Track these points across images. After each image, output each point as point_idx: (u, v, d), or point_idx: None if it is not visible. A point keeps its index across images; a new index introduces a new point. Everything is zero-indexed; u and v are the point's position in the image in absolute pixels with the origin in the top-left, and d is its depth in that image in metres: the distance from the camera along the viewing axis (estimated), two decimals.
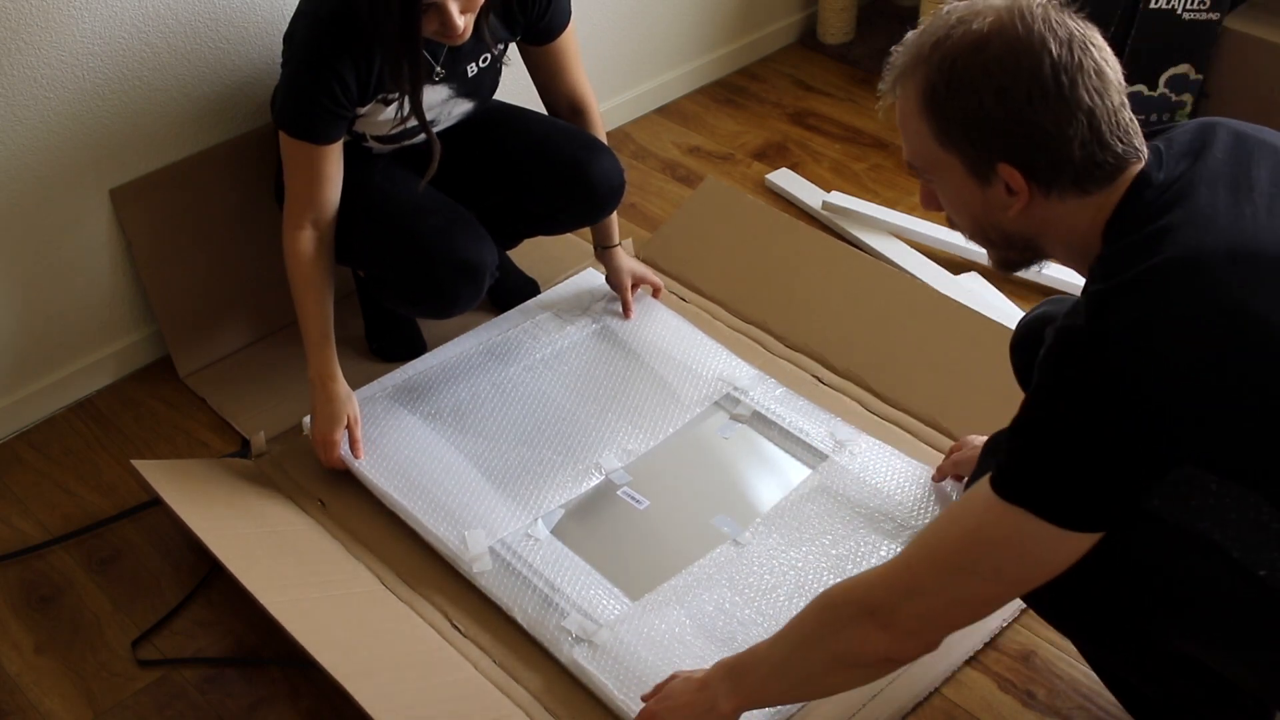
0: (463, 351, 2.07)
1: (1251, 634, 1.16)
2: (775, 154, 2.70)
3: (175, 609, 1.75)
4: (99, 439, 2.03)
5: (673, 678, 1.46)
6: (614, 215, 2.10)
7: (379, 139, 1.90)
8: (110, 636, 1.73)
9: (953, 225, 1.30)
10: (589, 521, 1.80)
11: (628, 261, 2.15)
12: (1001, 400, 1.61)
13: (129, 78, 1.95)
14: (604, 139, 2.08)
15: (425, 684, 1.58)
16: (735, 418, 1.94)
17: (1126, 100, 1.16)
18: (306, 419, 1.97)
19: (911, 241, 2.40)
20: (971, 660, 1.63)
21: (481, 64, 1.90)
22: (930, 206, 1.29)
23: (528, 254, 2.28)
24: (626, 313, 2.14)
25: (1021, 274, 2.32)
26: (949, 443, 1.87)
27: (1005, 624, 1.66)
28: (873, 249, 2.38)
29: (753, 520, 1.77)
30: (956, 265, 2.34)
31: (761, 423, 1.92)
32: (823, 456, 1.85)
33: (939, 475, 1.79)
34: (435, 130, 1.92)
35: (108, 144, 1.97)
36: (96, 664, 1.69)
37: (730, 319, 2.18)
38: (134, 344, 2.14)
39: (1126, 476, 1.09)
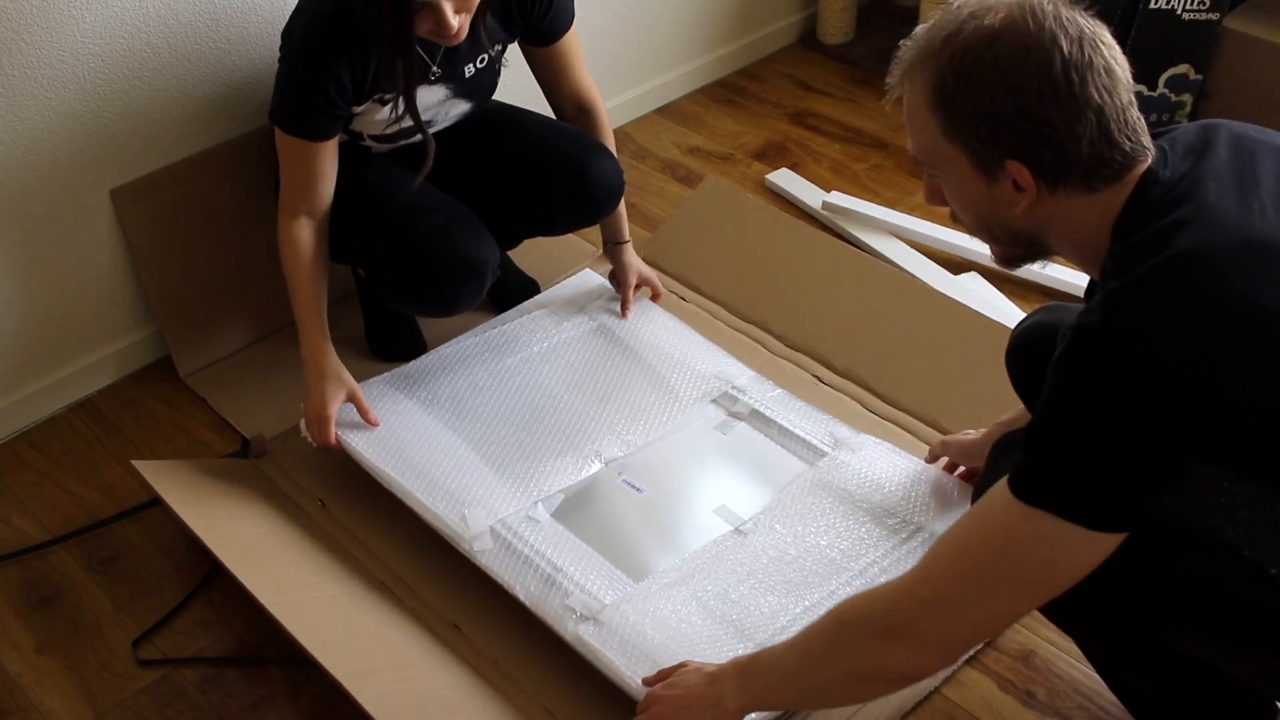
0: (461, 347, 2.06)
1: (1261, 633, 1.15)
2: (775, 154, 2.70)
3: (175, 609, 1.75)
4: (99, 439, 2.03)
5: (683, 666, 1.46)
6: (622, 211, 2.10)
7: (376, 138, 1.90)
8: (110, 636, 1.73)
9: (956, 220, 1.30)
10: (589, 507, 1.79)
11: (635, 260, 2.15)
12: (1001, 400, 1.61)
13: (129, 78, 1.95)
14: (611, 138, 2.08)
15: (425, 684, 1.58)
16: (734, 415, 1.94)
17: (1134, 99, 1.16)
18: (303, 421, 1.97)
19: (911, 241, 2.40)
20: (971, 660, 1.63)
21: (479, 65, 1.90)
22: (935, 202, 1.29)
23: (528, 254, 2.28)
24: (625, 310, 2.13)
25: (1022, 272, 2.33)
26: (969, 432, 1.86)
27: None
28: (873, 249, 2.38)
29: (753, 511, 1.77)
30: (956, 265, 2.34)
31: (760, 420, 1.92)
32: (821, 453, 1.85)
33: (931, 457, 1.79)
34: (433, 130, 1.92)
35: (108, 144, 1.97)
36: (97, 664, 1.69)
37: (730, 319, 2.18)
38: (134, 344, 2.14)
39: (1147, 473, 1.08)
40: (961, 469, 1.78)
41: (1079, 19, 1.14)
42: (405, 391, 1.96)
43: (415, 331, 2.15)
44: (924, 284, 2.20)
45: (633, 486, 1.82)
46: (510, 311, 2.17)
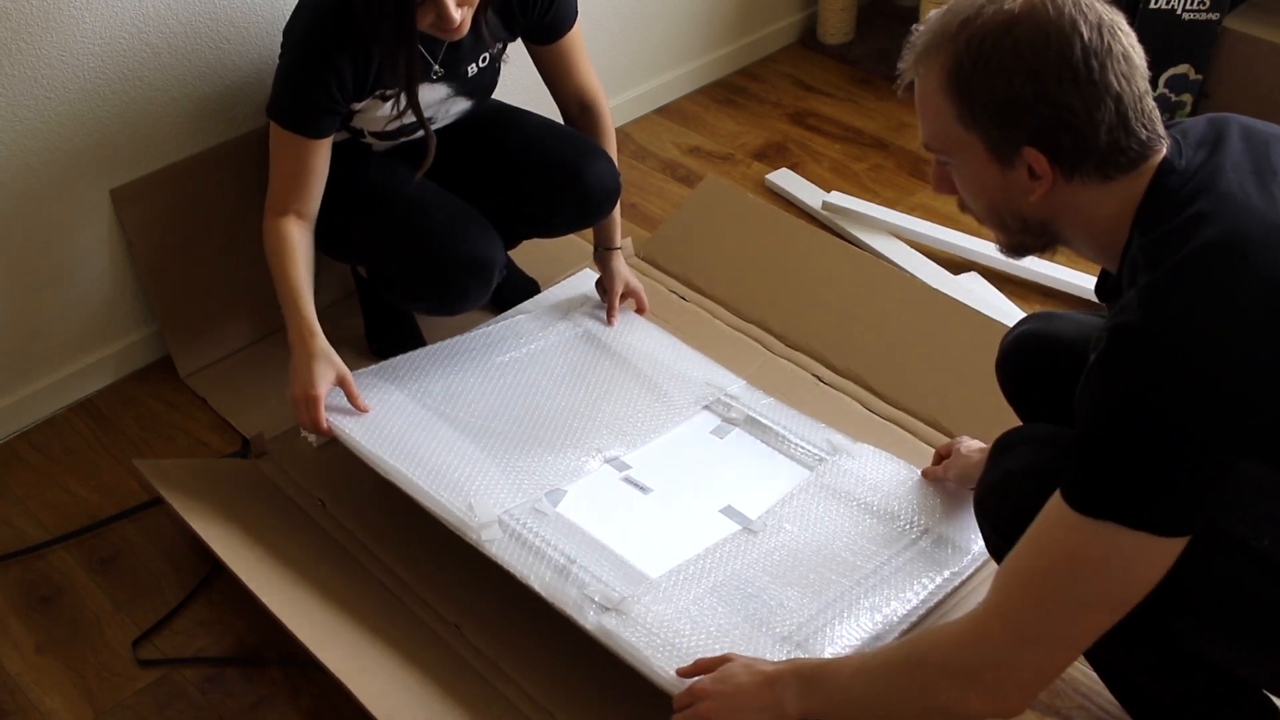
0: (450, 345, 2.03)
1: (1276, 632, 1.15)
2: (775, 154, 2.70)
3: (175, 609, 1.75)
4: (99, 439, 2.03)
5: (727, 659, 1.41)
6: (616, 217, 2.09)
7: (376, 135, 1.90)
8: (110, 636, 1.73)
9: (964, 209, 1.28)
10: (594, 503, 1.75)
11: (623, 269, 2.12)
12: (1002, 400, 1.61)
13: (129, 78, 1.95)
14: (613, 137, 2.07)
15: (425, 684, 1.58)
16: (729, 420, 1.92)
17: (1150, 88, 1.15)
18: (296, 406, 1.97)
19: (911, 241, 2.40)
20: None
21: (481, 64, 1.90)
22: (943, 190, 1.27)
23: (528, 254, 2.28)
24: (610, 318, 2.10)
25: (1023, 272, 2.32)
26: (968, 446, 1.85)
27: None
28: (873, 249, 2.38)
29: (760, 512, 1.75)
30: (956, 265, 2.34)
31: (755, 426, 1.91)
32: (820, 459, 1.84)
33: (931, 477, 1.76)
34: (432, 128, 1.92)
35: (108, 144, 1.97)
36: (97, 664, 1.69)
37: (730, 318, 2.18)
38: (134, 344, 2.14)
39: (1210, 470, 1.06)
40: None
41: (1097, 5, 1.13)
42: (395, 383, 1.91)
43: (415, 332, 2.15)
44: (924, 284, 2.20)
45: (636, 485, 1.80)
46: (510, 311, 2.17)
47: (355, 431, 1.78)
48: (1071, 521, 1.09)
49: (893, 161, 2.66)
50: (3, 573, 1.82)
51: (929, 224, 2.41)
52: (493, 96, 2.07)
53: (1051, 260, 2.32)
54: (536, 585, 1.59)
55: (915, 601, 1.57)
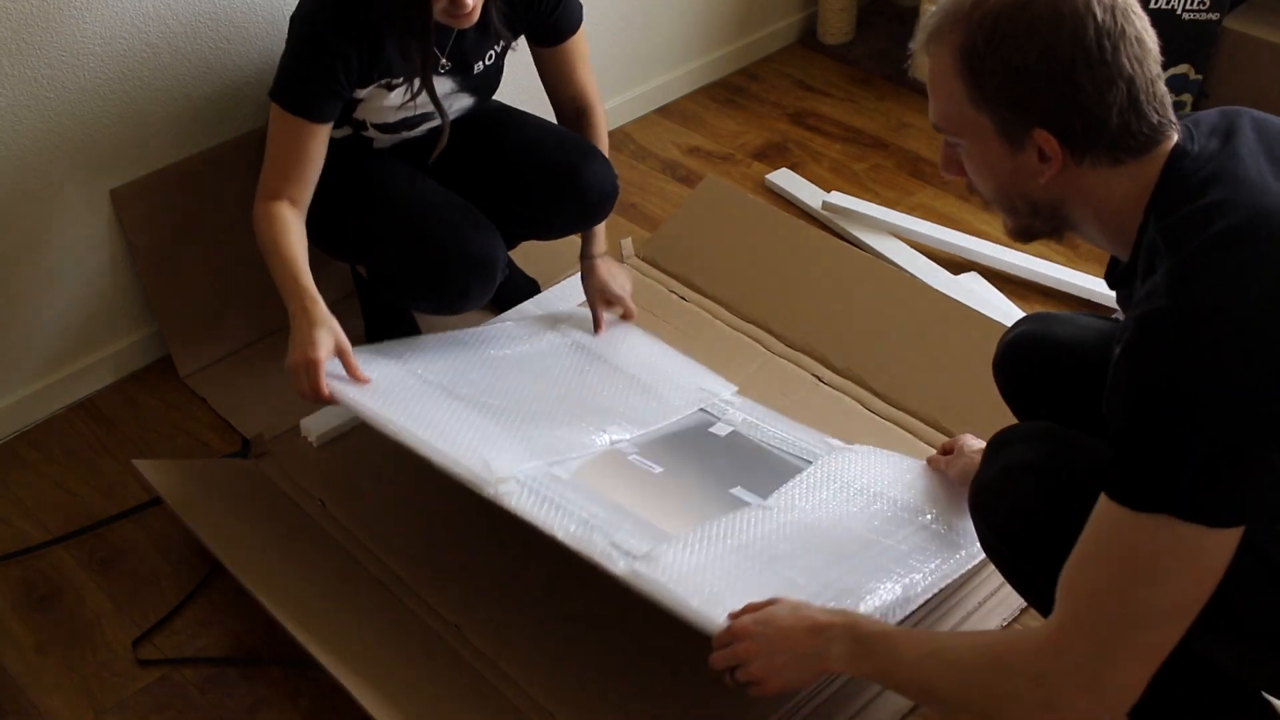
0: (451, 335, 2.01)
1: None
2: (775, 154, 2.70)
3: (175, 609, 1.75)
4: (99, 439, 2.03)
5: (774, 601, 1.36)
6: (601, 227, 2.06)
7: (380, 127, 1.90)
8: (110, 636, 1.73)
9: (972, 191, 1.27)
10: (607, 474, 1.71)
11: (604, 277, 2.07)
12: (1001, 400, 1.61)
13: (129, 78, 1.95)
14: (605, 141, 2.07)
15: (425, 684, 1.58)
16: (727, 422, 1.92)
17: (1162, 72, 1.15)
18: (305, 420, 1.97)
19: (911, 241, 2.40)
20: None
21: (488, 61, 1.90)
22: (951, 172, 1.26)
23: (528, 254, 2.28)
24: (596, 328, 2.08)
25: (1022, 272, 2.33)
26: (970, 445, 1.85)
27: (1005, 623, 1.66)
28: (873, 249, 2.38)
29: (771, 493, 1.71)
30: (956, 265, 2.34)
31: (753, 429, 1.90)
32: (819, 456, 1.83)
33: (934, 465, 1.75)
34: (433, 125, 1.93)
35: (108, 144, 1.97)
36: (97, 664, 1.69)
37: (730, 319, 2.18)
38: (134, 344, 2.14)
39: (1252, 454, 1.04)
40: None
41: None
42: (394, 360, 1.86)
43: (415, 332, 2.15)
44: (924, 284, 2.20)
45: (646, 464, 1.75)
46: (510, 312, 2.17)
47: (358, 396, 1.70)
48: (1126, 520, 1.07)
49: (893, 161, 2.66)
50: (3, 573, 1.82)
51: (929, 224, 2.41)
52: (493, 98, 2.07)
53: (1051, 260, 2.33)
54: (560, 535, 1.51)
55: (936, 575, 1.55)
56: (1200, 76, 2.58)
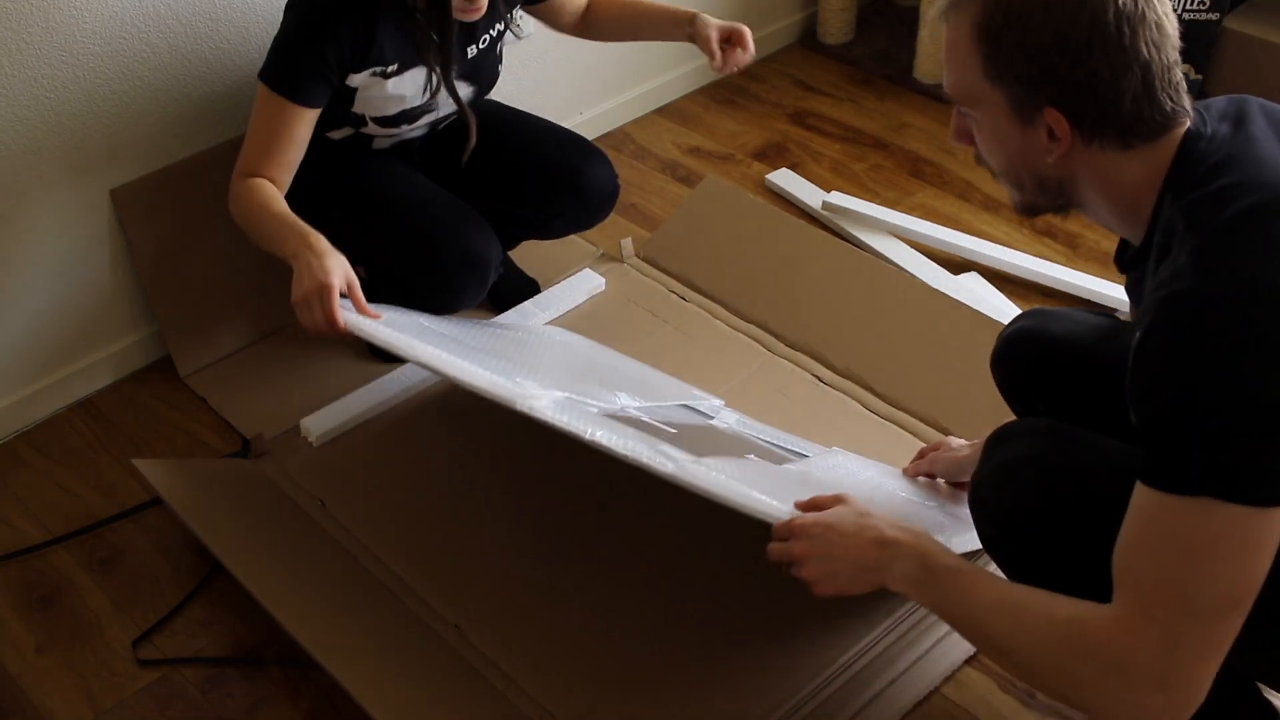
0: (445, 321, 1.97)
1: None
2: (775, 154, 2.70)
3: (175, 609, 1.75)
4: (99, 439, 2.03)
5: (840, 499, 1.33)
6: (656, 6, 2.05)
7: (379, 121, 1.89)
8: (110, 636, 1.73)
9: (980, 162, 1.27)
10: (629, 425, 1.59)
11: (712, 25, 1.96)
12: (1001, 400, 1.61)
13: (129, 78, 1.95)
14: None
15: (425, 684, 1.58)
16: (722, 420, 1.91)
17: (1179, 58, 1.14)
18: (305, 420, 1.97)
19: (911, 241, 2.40)
20: (971, 660, 1.63)
21: (481, 45, 1.90)
22: (962, 141, 1.26)
23: (528, 254, 2.28)
24: (723, 64, 1.95)
25: (1022, 272, 2.32)
26: (955, 443, 1.85)
27: None
28: (873, 249, 2.38)
29: (796, 459, 1.67)
30: (956, 265, 2.34)
31: (746, 426, 1.89)
32: (814, 452, 1.82)
33: (911, 472, 1.72)
34: (435, 117, 1.93)
35: (108, 144, 1.97)
36: (97, 664, 1.69)
37: (730, 318, 2.18)
38: (134, 344, 2.14)
39: None
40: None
41: None
42: (400, 312, 1.81)
43: None
44: (924, 284, 2.20)
45: (663, 425, 1.69)
46: (509, 312, 2.18)
47: (375, 325, 1.62)
48: (1167, 505, 1.05)
49: (893, 161, 2.66)
50: (3, 573, 1.82)
51: (929, 224, 2.41)
52: (492, 97, 2.07)
53: (1051, 260, 2.33)
54: (603, 440, 1.40)
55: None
56: (1200, 76, 2.58)
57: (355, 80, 1.80)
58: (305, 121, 1.78)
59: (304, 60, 1.73)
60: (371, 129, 1.91)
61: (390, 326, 1.66)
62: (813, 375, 2.06)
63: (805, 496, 1.37)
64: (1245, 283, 1.03)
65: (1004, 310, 2.20)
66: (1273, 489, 1.03)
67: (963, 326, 2.04)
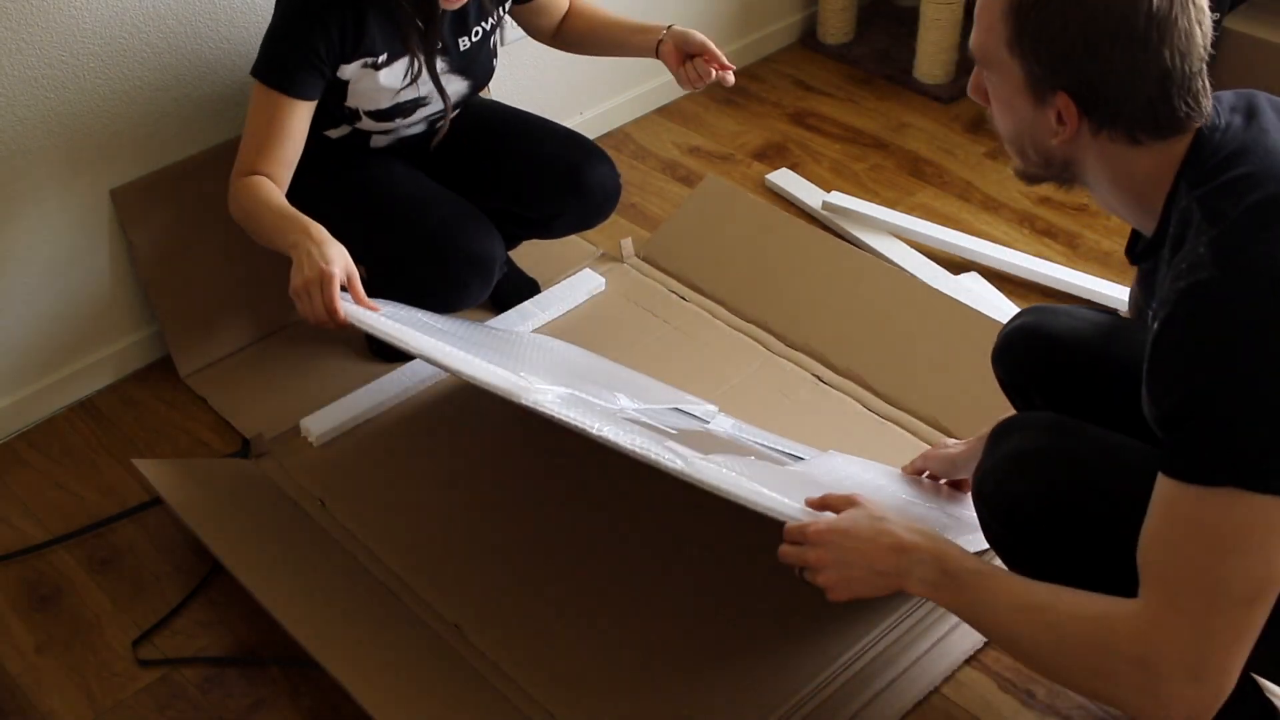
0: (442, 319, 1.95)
1: None
2: (775, 154, 2.70)
3: (175, 609, 1.75)
4: (99, 439, 2.03)
5: (852, 501, 1.32)
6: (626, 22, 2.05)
7: (373, 115, 1.89)
8: (111, 636, 1.73)
9: (990, 123, 1.27)
10: (635, 425, 1.56)
11: (680, 35, 1.97)
12: (1001, 399, 1.61)
13: (129, 78, 1.95)
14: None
15: (425, 684, 1.58)
16: (718, 425, 1.90)
17: (1205, 67, 1.14)
18: (305, 420, 1.97)
19: (911, 241, 2.40)
20: (971, 660, 1.63)
21: (474, 38, 1.90)
22: (977, 96, 1.25)
23: (528, 254, 2.28)
24: (698, 81, 1.98)
25: (1022, 272, 2.32)
26: (950, 440, 1.85)
27: None
28: (873, 249, 2.38)
29: (794, 463, 1.67)
30: (956, 265, 2.34)
31: (742, 429, 1.88)
32: (803, 459, 1.81)
33: (913, 470, 1.71)
34: (430, 112, 1.93)
35: (108, 144, 1.97)
36: (97, 664, 1.69)
37: (730, 318, 2.18)
38: (134, 344, 2.14)
39: None
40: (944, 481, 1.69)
41: None
42: (399, 307, 1.79)
43: None
44: (924, 284, 2.20)
45: (662, 426, 1.68)
46: (509, 313, 2.17)
47: (375, 317, 1.59)
48: (1190, 496, 1.05)
49: (893, 161, 2.66)
50: (3, 573, 1.82)
51: (929, 224, 2.41)
52: (493, 98, 2.07)
53: (1051, 260, 2.33)
54: (610, 436, 1.38)
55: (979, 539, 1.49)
56: None
57: (346, 72, 1.80)
58: (300, 115, 1.78)
59: (295, 52, 1.73)
60: (366, 124, 1.91)
61: (392, 319, 1.65)
62: (813, 375, 2.06)
63: (815, 495, 1.37)
64: (1265, 272, 1.03)
65: (1004, 310, 2.20)
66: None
67: (963, 326, 2.04)
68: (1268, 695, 1.38)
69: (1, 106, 1.83)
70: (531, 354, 1.85)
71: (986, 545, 1.60)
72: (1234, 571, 1.05)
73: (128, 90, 1.96)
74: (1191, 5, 1.11)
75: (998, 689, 1.60)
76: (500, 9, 1.93)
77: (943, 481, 1.69)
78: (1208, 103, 1.15)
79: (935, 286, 2.20)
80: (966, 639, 1.63)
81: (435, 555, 1.77)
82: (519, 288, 2.23)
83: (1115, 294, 2.20)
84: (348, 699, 1.50)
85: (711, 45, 1.94)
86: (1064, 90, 1.14)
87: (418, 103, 1.91)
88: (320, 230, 1.67)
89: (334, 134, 1.94)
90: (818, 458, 1.80)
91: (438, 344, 1.57)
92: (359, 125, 1.91)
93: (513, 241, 2.20)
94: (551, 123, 2.09)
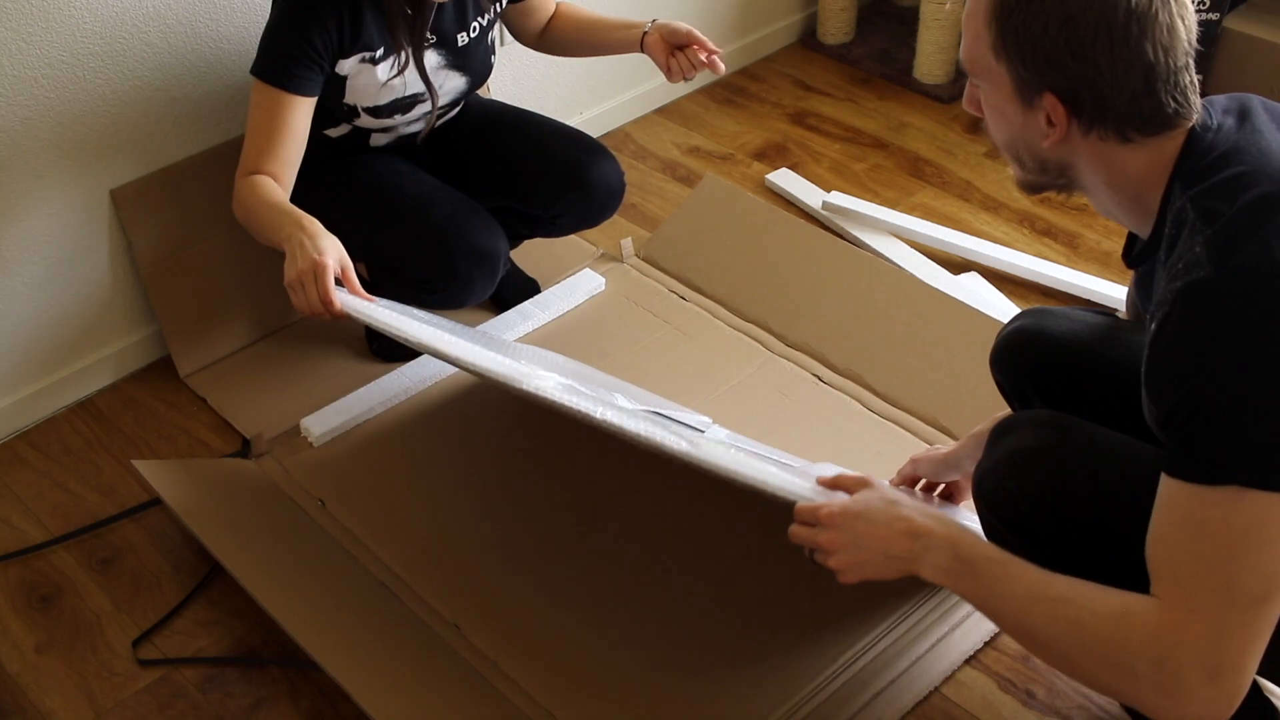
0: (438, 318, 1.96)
1: None
2: (775, 154, 2.70)
3: (175, 609, 1.75)
4: (99, 439, 2.03)
5: (865, 484, 1.30)
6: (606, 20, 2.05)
7: (371, 111, 1.89)
8: (111, 636, 1.73)
9: (985, 132, 1.27)
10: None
11: (667, 27, 1.96)
12: (1001, 400, 1.61)
13: (129, 78, 1.95)
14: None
15: (425, 684, 1.58)
16: (713, 433, 1.88)
17: (1192, 61, 1.14)
18: (305, 420, 1.97)
19: (911, 241, 2.40)
20: (971, 660, 1.63)
21: (471, 33, 1.90)
22: (971, 108, 1.26)
23: (528, 254, 2.28)
24: (686, 73, 1.96)
25: (1022, 272, 2.32)
26: (949, 441, 1.86)
27: None
28: (873, 249, 2.38)
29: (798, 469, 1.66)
30: (956, 265, 2.34)
31: (738, 440, 1.86)
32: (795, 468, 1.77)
33: (896, 482, 1.66)
34: (428, 109, 1.93)
35: (108, 144, 1.97)
36: (97, 664, 1.69)
37: (730, 318, 2.18)
38: (134, 344, 2.14)
39: None
40: (933, 484, 1.67)
41: None
42: (392, 305, 1.76)
43: None
44: (924, 284, 2.20)
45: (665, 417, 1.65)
46: (509, 312, 2.18)
47: (370, 308, 1.57)
48: (1195, 496, 1.05)
49: (893, 161, 2.66)
50: (3, 573, 1.82)
51: (929, 224, 2.41)
52: (494, 98, 2.07)
53: (1051, 260, 2.33)
54: (613, 420, 1.36)
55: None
56: (1200, 76, 2.57)
57: (345, 67, 1.80)
58: (301, 112, 1.78)
59: (293, 49, 1.74)
60: (365, 121, 1.91)
61: (386, 309, 1.63)
62: (813, 375, 2.06)
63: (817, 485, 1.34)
64: (1261, 269, 1.03)
65: (1004, 310, 2.20)
66: None
67: (963, 326, 2.04)
68: (1268, 695, 1.38)
69: (2, 106, 1.83)
70: (528, 354, 1.85)
71: None
72: (1245, 570, 1.05)
73: (128, 90, 1.96)
74: (1173, 1, 1.11)
75: (998, 689, 1.60)
76: (497, 4, 1.94)
77: (935, 493, 1.67)
78: (1197, 99, 1.15)
79: (935, 286, 2.20)
80: (966, 639, 1.63)
81: (435, 555, 1.77)
82: (519, 288, 2.23)
83: (1115, 294, 2.20)
84: (348, 699, 1.50)
85: (698, 34, 1.93)
86: (1050, 90, 1.14)
87: (416, 99, 1.91)
88: (314, 223, 1.66)
89: (334, 133, 1.94)
90: (811, 467, 1.79)
91: (437, 333, 1.56)
92: (358, 123, 1.91)
93: (515, 241, 2.20)
94: (555, 121, 2.09)
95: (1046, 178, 1.24)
